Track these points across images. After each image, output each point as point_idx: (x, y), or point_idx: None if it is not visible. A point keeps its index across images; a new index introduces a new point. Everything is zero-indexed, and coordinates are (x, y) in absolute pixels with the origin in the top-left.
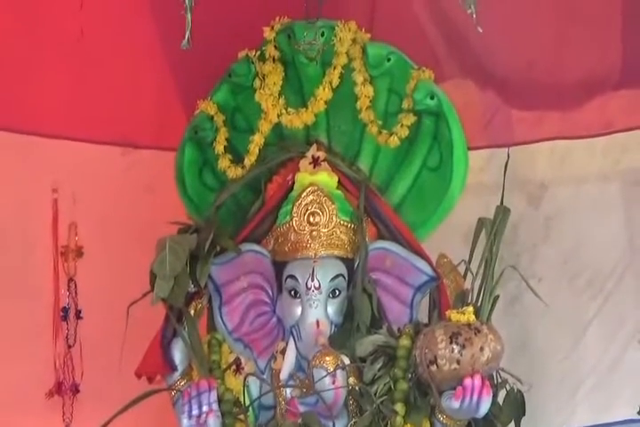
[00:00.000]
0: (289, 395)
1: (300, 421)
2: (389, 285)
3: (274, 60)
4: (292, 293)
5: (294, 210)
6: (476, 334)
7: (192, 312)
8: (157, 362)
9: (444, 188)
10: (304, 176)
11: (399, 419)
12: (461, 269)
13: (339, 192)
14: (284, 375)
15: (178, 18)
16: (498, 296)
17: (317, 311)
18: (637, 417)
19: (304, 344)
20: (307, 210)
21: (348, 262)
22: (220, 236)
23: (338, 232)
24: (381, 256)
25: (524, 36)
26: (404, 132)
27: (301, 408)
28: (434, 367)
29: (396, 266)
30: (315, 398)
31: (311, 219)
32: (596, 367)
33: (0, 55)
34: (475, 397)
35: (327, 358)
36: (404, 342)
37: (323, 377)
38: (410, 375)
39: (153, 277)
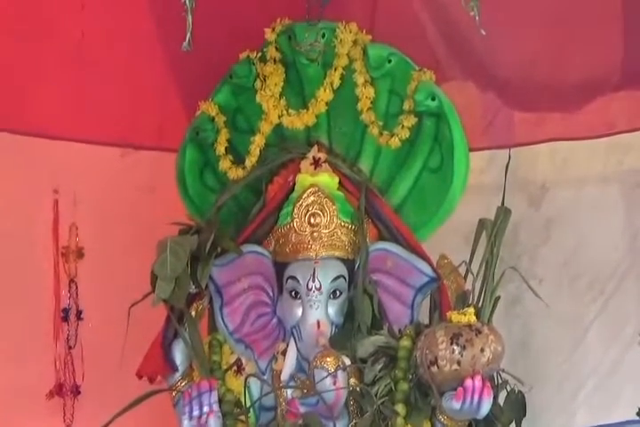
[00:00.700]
0: (290, 396)
1: (300, 421)
2: (390, 286)
3: (275, 61)
4: (293, 293)
5: (295, 211)
6: (476, 334)
7: (193, 313)
8: (158, 363)
9: (444, 189)
10: (305, 177)
11: (400, 420)
12: (462, 270)
13: (339, 193)
14: (284, 376)
15: (178, 19)
16: (499, 297)
17: (318, 312)
18: (637, 418)
19: (305, 345)
20: (307, 211)
21: (348, 263)
22: (221, 237)
23: (339, 233)
24: (382, 257)
25: (525, 37)
26: (405, 134)
27: (302, 409)
28: (434, 368)
29: (397, 267)
30: (315, 399)
31: (312, 220)
32: (596, 369)
33: (0, 57)
34: (475, 398)
35: (328, 359)
36: (405, 342)
37: (323, 378)
38: (411, 376)
39: (154, 278)
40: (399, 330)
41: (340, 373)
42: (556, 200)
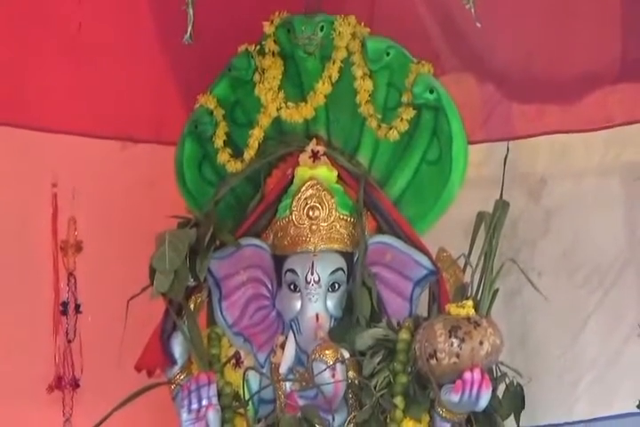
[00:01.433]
0: (288, 389)
1: (299, 414)
2: (389, 278)
3: (273, 54)
4: (292, 286)
5: (294, 204)
6: (475, 327)
7: (192, 306)
8: (157, 356)
9: (443, 182)
10: (303, 170)
11: (399, 412)
12: (461, 262)
13: (338, 186)
14: (283, 369)
15: (177, 13)
16: (497, 290)
17: (317, 305)
18: (636, 411)
19: (303, 338)
20: (306, 204)
21: (347, 256)
22: (220, 230)
23: (337, 226)
24: (381, 250)
25: (523, 29)
26: (404, 126)
27: (301, 402)
28: (433, 361)
29: (396, 260)
30: (314, 392)
31: (311, 213)
32: (595, 361)
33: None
34: (474, 390)
35: (327, 352)
36: (404, 335)
37: (322, 371)
38: (409, 369)
39: (152, 271)
40: (398, 323)
41: (338, 365)
42: (555, 193)
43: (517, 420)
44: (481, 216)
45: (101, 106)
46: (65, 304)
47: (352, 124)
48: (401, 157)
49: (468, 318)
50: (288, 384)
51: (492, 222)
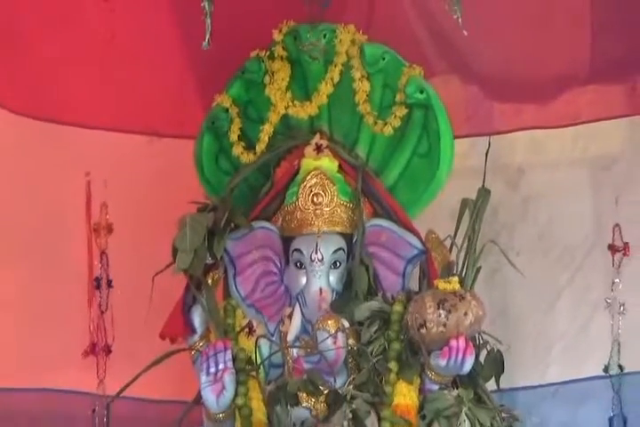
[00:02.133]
0: (295, 354)
1: (305, 377)
2: (384, 257)
3: (282, 58)
4: (298, 264)
5: (300, 191)
6: (460, 300)
7: (210, 281)
8: (179, 325)
9: (432, 172)
10: (308, 161)
11: (393, 375)
12: (447, 243)
13: (339, 175)
14: (290, 337)
15: (197, 22)
16: (480, 268)
17: (320, 281)
18: (601, 374)
19: (309, 310)
20: (311, 191)
21: (347, 237)
22: (235, 214)
23: (338, 211)
24: (377, 232)
25: (503, 37)
26: (397, 123)
27: (306, 366)
28: (423, 330)
29: (390, 241)
30: (318, 357)
31: (315, 199)
32: (566, 331)
33: (41, 56)
34: (459, 356)
35: (329, 322)
36: (397, 307)
37: (325, 339)
38: (402, 337)
39: (175, 250)
40: (392, 296)
41: (339, 334)
42: (531, 182)
43: (497, 382)
44: (465, 202)
45: (130, 105)
46: (98, 280)
47: (351, 121)
48: (394, 149)
49: (454, 292)
50: (295, 350)
51: (475, 208)
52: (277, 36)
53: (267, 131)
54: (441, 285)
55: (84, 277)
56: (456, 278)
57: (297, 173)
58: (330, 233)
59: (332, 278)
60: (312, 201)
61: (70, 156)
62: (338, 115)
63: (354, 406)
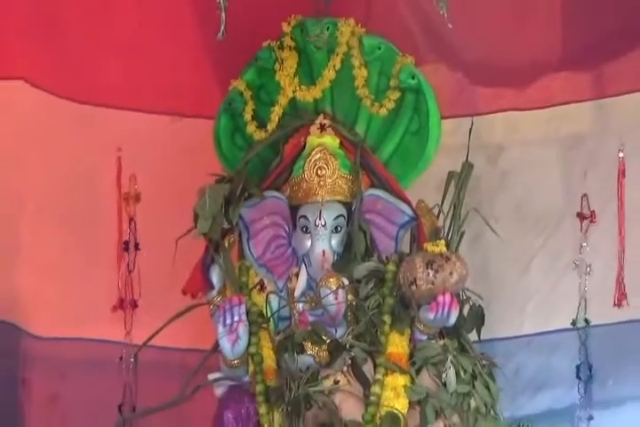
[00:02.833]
0: (301, 308)
1: (309, 328)
2: (379, 223)
3: (290, 48)
4: (304, 229)
5: (305, 165)
6: (446, 261)
7: (226, 244)
8: (199, 283)
9: (422, 148)
10: (313, 139)
11: (387, 327)
12: (435, 211)
13: (340, 151)
14: (297, 293)
15: (216, 15)
16: (463, 233)
17: (323, 243)
18: (569, 327)
19: (313, 269)
20: (315, 165)
21: (347, 206)
22: (248, 185)
23: (339, 182)
24: (373, 201)
25: (485, 28)
26: (391, 105)
27: (311, 319)
28: (414, 287)
29: (385, 208)
30: (321, 311)
31: (319, 172)
32: (539, 289)
33: (78, 45)
34: (445, 310)
35: (331, 280)
36: (391, 267)
37: (327, 294)
38: (395, 293)
39: (196, 216)
40: (386, 257)
41: (340, 291)
42: (509, 158)
43: (478, 333)
44: (451, 175)
45: (156, 89)
46: (126, 243)
47: (351, 103)
48: (389, 128)
49: (441, 254)
50: (301, 305)
51: (459, 180)
52: (286, 29)
53: (277, 112)
54: (429, 247)
55: (115, 241)
56: (442, 242)
57: (303, 148)
58: (332, 202)
59: (333, 242)
60: (316, 173)
61: (103, 134)
62: (339, 98)
63: (352, 353)
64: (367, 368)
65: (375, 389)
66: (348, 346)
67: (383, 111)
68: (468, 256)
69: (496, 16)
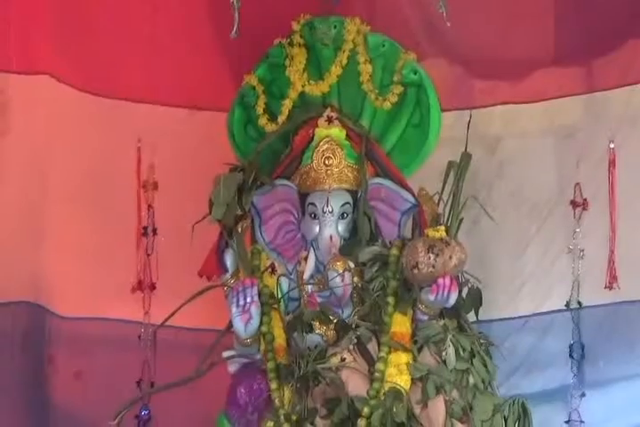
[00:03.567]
0: (310, 290)
1: (318, 309)
2: (383, 210)
3: (299, 45)
4: (312, 215)
5: (314, 155)
6: (446, 246)
7: (239, 229)
8: (214, 266)
9: (423, 139)
10: (321, 130)
11: (390, 308)
12: (436, 198)
13: (347, 142)
14: (306, 276)
15: (229, 15)
16: (462, 219)
17: (331, 229)
18: (562, 308)
19: (321, 253)
20: (323, 155)
21: (353, 193)
22: (260, 174)
23: (346, 171)
24: (377, 189)
25: (482, 25)
26: (394, 99)
27: (319, 300)
28: (415, 270)
29: (388, 196)
30: (329, 293)
31: (326, 161)
32: (534, 272)
33: (101, 43)
34: (445, 292)
35: (338, 263)
36: (394, 251)
37: (335, 277)
38: (398, 276)
39: (210, 203)
40: (389, 242)
41: (346, 273)
42: (506, 148)
43: (476, 314)
44: (450, 165)
45: (173, 83)
46: (145, 228)
47: (357, 97)
48: (392, 121)
49: (441, 239)
50: (309, 287)
51: (458, 169)
52: (296, 27)
53: (287, 105)
54: (430, 233)
55: (134, 226)
56: (443, 228)
57: (312, 140)
58: (338, 190)
59: (340, 227)
60: (324, 163)
61: (124, 125)
62: (346, 92)
63: (358, 333)
64: (372, 347)
65: (379, 366)
66: (354, 326)
67: (387, 105)
68: (467, 241)
69: (493, 14)
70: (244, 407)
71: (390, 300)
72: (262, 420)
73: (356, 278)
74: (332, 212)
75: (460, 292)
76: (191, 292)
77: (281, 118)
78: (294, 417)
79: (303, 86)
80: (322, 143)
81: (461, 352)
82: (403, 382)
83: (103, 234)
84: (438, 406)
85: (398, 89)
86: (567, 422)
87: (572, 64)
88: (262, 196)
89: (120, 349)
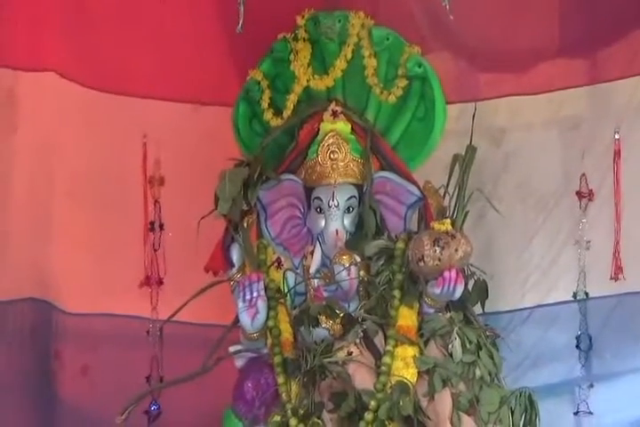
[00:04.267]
0: (316, 284)
1: (324, 303)
2: (389, 203)
3: (304, 40)
4: (318, 209)
5: (319, 149)
6: (452, 239)
7: (245, 224)
8: (220, 261)
9: (428, 132)
10: (326, 124)
11: (396, 301)
12: (441, 191)
13: (352, 136)
14: (312, 270)
15: (234, 10)
16: (468, 212)
17: (336, 223)
18: (569, 299)
19: (327, 247)
20: (328, 149)
21: (358, 187)
22: (266, 168)
23: (351, 165)
24: (383, 182)
25: (486, 17)
26: (399, 92)
27: (325, 294)
28: (421, 263)
29: (394, 190)
30: (335, 287)
31: (332, 156)
32: (540, 264)
33: (107, 41)
34: (451, 285)
35: (344, 257)
36: (400, 245)
37: (341, 271)
38: (404, 269)
39: (216, 198)
40: (395, 236)
41: (352, 267)
42: (512, 140)
43: (483, 306)
44: (456, 157)
45: (179, 78)
46: (152, 223)
47: (361, 91)
48: (397, 114)
49: (447, 232)
50: (316, 281)
51: (464, 162)
52: (300, 21)
53: (292, 100)
54: (436, 226)
55: (141, 222)
56: (448, 221)
57: (317, 134)
58: (344, 184)
59: (346, 221)
60: (329, 157)
61: (129, 121)
62: (350, 86)
63: (364, 326)
64: (378, 340)
65: (386, 359)
66: (360, 319)
67: (392, 98)
68: (473, 234)
69: (498, 6)
70: (251, 402)
71: (396, 293)
72: (269, 414)
73: (362, 272)
74: (337, 206)
75: (465, 284)
76: (198, 287)
77: (286, 113)
78: (301, 411)
79: (308, 81)
80: (327, 137)
81: (468, 345)
82: (409, 375)
83: (110, 230)
84: (445, 399)
85: (403, 82)
86: (576, 413)
87: (576, 55)
88: (268, 190)
89: (128, 344)
